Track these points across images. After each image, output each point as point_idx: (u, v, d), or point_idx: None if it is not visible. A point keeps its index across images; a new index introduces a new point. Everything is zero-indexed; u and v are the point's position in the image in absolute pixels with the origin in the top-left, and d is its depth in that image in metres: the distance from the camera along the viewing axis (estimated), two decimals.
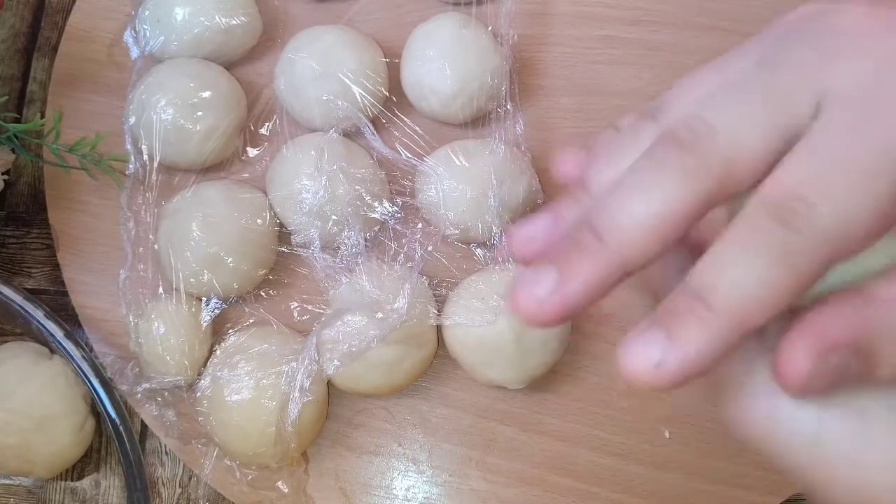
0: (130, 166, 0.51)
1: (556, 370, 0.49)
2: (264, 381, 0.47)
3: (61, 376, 0.49)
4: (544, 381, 0.49)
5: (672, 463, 0.48)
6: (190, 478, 0.51)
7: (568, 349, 0.49)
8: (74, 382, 0.49)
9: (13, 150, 0.52)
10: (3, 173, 0.53)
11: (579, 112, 0.53)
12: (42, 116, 0.55)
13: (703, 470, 0.48)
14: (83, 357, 0.49)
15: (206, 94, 0.50)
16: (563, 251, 0.21)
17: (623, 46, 0.54)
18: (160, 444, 0.51)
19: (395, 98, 0.52)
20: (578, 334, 0.50)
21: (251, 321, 0.50)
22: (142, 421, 0.51)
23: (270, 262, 0.51)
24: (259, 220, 0.49)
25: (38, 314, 0.49)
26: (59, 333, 0.49)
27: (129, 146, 0.51)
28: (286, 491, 0.49)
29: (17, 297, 0.50)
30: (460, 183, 0.48)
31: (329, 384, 0.49)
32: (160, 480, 0.51)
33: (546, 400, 0.50)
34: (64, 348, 0.49)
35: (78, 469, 0.51)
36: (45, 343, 0.50)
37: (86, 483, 0.51)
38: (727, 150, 0.20)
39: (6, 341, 0.51)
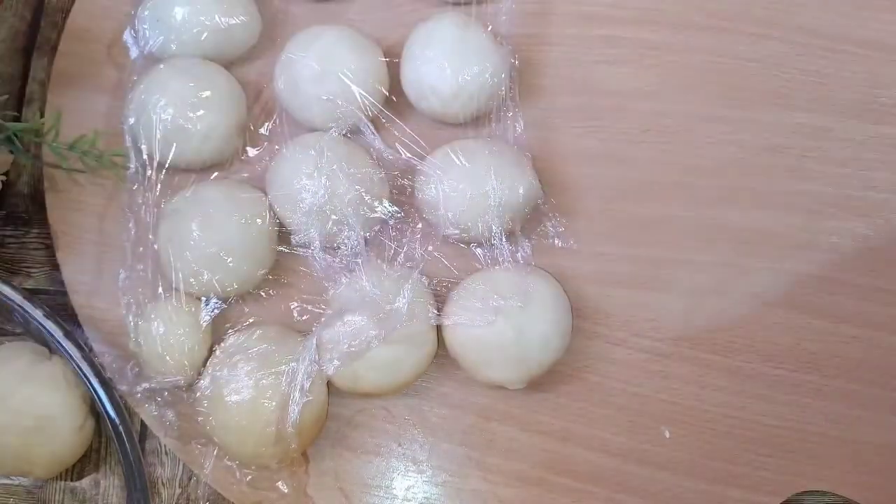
0: (131, 166, 0.51)
1: (555, 370, 0.49)
2: (264, 381, 0.47)
3: (61, 376, 0.49)
4: (544, 381, 0.49)
5: (671, 463, 0.48)
6: (190, 478, 0.51)
7: (568, 349, 0.49)
8: (74, 382, 0.49)
9: (11, 152, 0.52)
10: (1, 174, 0.53)
11: (580, 111, 0.53)
12: (41, 116, 0.55)
13: (702, 470, 0.48)
14: (83, 357, 0.48)
15: (206, 93, 0.50)
16: None
17: (623, 46, 0.54)
18: (160, 444, 0.51)
19: (395, 98, 0.52)
20: (578, 334, 0.50)
21: (251, 321, 0.50)
22: (142, 421, 0.51)
23: (270, 262, 0.51)
24: (259, 220, 0.49)
25: (38, 314, 0.49)
26: (58, 333, 0.49)
27: (128, 146, 0.51)
28: (286, 491, 0.49)
29: (16, 297, 0.49)
30: (460, 183, 0.48)
31: (329, 384, 0.49)
32: (160, 480, 0.51)
33: (546, 400, 0.50)
34: (63, 348, 0.49)
35: (77, 469, 0.51)
36: (44, 343, 0.50)
37: (85, 483, 0.51)
38: None
39: (6, 341, 0.51)
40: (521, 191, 0.49)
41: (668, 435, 0.49)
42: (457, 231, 0.49)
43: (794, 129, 0.52)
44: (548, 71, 0.54)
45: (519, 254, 0.49)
